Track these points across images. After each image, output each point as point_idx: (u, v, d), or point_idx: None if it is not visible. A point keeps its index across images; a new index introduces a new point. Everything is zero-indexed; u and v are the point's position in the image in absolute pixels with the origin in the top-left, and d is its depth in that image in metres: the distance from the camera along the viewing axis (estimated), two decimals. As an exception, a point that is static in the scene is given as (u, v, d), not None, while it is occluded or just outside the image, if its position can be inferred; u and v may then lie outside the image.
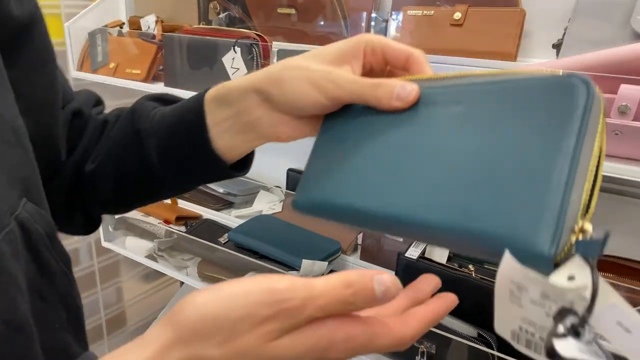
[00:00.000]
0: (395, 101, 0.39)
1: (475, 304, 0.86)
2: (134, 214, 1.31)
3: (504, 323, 0.32)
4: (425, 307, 0.35)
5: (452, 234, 0.33)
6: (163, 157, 0.48)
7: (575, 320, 0.27)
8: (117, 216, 1.32)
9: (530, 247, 0.28)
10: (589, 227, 0.29)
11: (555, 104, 0.31)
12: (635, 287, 0.85)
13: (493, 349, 0.87)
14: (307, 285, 0.30)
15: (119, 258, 1.58)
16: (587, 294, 0.27)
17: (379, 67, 0.44)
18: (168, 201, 1.36)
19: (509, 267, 0.29)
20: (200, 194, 1.38)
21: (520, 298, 0.30)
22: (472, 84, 0.37)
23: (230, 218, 1.31)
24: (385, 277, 0.31)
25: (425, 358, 0.91)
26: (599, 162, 0.31)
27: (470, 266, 0.91)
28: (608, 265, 0.93)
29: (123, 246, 1.36)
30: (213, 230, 1.27)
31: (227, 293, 0.30)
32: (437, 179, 0.35)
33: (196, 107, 0.46)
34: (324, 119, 0.44)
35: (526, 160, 0.31)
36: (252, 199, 1.36)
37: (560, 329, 0.27)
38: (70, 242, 1.44)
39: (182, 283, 1.67)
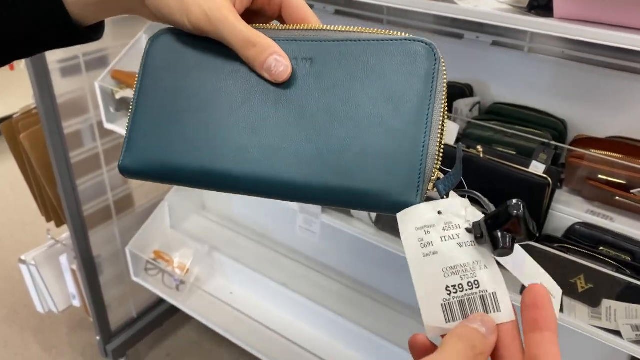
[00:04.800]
0: (263, 71, 0.37)
1: (482, 183, 0.86)
2: (135, 95, 1.28)
3: (430, 298, 0.33)
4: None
5: (319, 192, 0.35)
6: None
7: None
8: (117, 97, 1.29)
9: (402, 203, 0.33)
10: (440, 175, 0.35)
11: (407, 69, 0.34)
12: (643, 167, 0.85)
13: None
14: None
15: (122, 140, 1.57)
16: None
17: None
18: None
19: (405, 219, 0.33)
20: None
21: (431, 243, 0.33)
22: (325, 41, 0.37)
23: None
24: (486, 318, 0.32)
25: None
26: (443, 117, 0.35)
27: (479, 147, 0.90)
28: (616, 146, 0.92)
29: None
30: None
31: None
32: (296, 138, 0.35)
33: None
34: (150, 45, 0.41)
35: (387, 122, 0.34)
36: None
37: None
38: (70, 124, 1.42)
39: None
